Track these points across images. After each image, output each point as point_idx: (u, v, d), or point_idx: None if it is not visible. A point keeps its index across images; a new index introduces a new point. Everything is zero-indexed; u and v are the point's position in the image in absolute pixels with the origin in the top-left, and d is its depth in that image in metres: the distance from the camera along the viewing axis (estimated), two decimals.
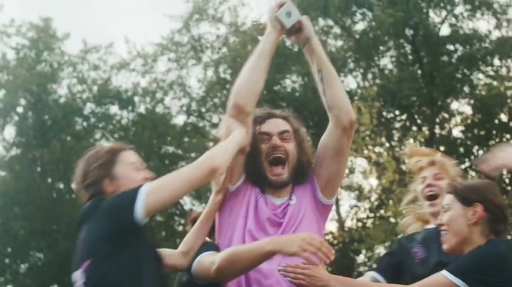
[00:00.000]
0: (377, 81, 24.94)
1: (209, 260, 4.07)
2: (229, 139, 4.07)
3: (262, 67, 4.38)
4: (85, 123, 29.65)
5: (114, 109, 29.40)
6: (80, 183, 4.06)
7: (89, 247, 3.76)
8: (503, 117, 26.14)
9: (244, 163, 4.33)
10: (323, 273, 3.89)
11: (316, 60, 4.38)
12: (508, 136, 26.08)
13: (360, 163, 27.00)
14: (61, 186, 29.62)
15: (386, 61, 27.18)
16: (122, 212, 3.72)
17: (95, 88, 28.97)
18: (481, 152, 26.60)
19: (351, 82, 27.87)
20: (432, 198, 4.98)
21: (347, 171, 27.95)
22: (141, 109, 29.52)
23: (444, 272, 3.88)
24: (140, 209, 3.70)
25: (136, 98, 29.18)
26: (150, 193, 3.74)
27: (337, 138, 4.31)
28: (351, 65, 27.47)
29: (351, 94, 27.11)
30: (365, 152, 22.39)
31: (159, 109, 29.66)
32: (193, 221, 4.66)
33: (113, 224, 3.73)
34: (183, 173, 3.90)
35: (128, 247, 3.73)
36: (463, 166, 26.66)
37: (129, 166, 4.10)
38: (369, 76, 27.46)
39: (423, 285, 3.96)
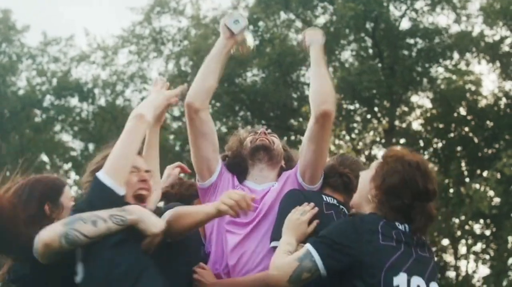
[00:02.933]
0: (338, 74, 25.04)
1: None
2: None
3: (212, 69, 4.75)
4: (44, 116, 29.43)
5: (74, 101, 29.26)
6: None
7: None
8: (462, 110, 26.40)
9: (216, 158, 4.69)
10: (208, 278, 4.26)
11: (311, 62, 4.83)
12: (467, 129, 26.37)
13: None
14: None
15: (347, 55, 27.35)
16: None
17: (54, 80, 28.77)
18: (440, 145, 26.87)
19: None
20: None
21: None
22: (101, 101, 29.41)
23: None
24: None
25: (96, 91, 29.05)
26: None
27: (310, 127, 4.50)
28: None
29: None
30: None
31: (120, 101, 29.57)
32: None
33: None
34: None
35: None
36: None
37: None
38: (330, 69, 27.57)
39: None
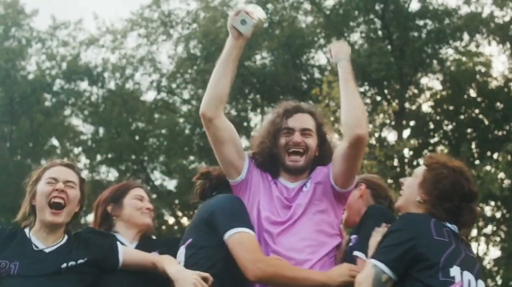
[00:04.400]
0: None
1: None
2: None
3: (223, 74, 4.62)
4: (54, 100, 29.46)
5: (83, 85, 29.27)
6: None
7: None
8: (472, 92, 26.31)
9: (241, 157, 4.64)
10: None
11: (340, 80, 4.64)
12: (477, 111, 26.29)
13: (331, 137, 27.06)
14: (30, 162, 29.44)
15: (356, 37, 27.25)
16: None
17: (64, 64, 28.76)
18: (450, 127, 26.81)
19: (322, 58, 27.92)
20: None
21: None
22: (111, 85, 29.41)
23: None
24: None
25: (106, 74, 29.04)
26: None
27: (344, 149, 4.48)
28: (321, 41, 27.47)
29: (321, 69, 27.18)
30: (336, 125, 22.42)
31: (129, 85, 29.57)
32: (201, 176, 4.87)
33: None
34: None
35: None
36: (432, 141, 26.88)
37: None
38: None
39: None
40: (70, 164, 4.60)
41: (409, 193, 4.41)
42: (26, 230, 4.47)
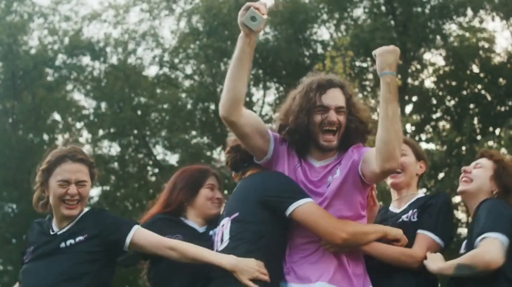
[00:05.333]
0: (350, 31, 24.87)
1: None
2: None
3: (237, 75, 4.41)
4: (56, 75, 29.40)
5: (85, 60, 29.17)
6: None
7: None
8: (475, 68, 26.27)
9: (266, 139, 4.57)
10: None
11: (380, 98, 4.35)
12: (479, 87, 26.25)
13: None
14: (32, 136, 29.47)
15: (359, 12, 27.15)
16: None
17: (66, 39, 28.69)
18: (452, 102, 26.78)
19: (325, 33, 27.87)
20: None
21: None
22: (113, 60, 29.33)
23: None
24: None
25: (108, 49, 28.96)
26: None
27: (374, 169, 4.35)
28: (325, 16, 27.40)
29: (324, 44, 27.11)
30: None
31: (131, 60, 29.50)
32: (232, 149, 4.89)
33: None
34: None
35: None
36: (434, 116, 26.86)
37: None
38: (342, 27, 27.42)
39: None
40: (80, 157, 4.55)
41: (481, 182, 4.85)
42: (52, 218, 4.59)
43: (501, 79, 25.72)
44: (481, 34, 25.41)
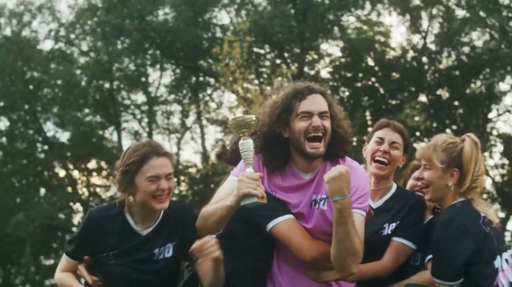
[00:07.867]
0: (250, 17, 24.93)
1: None
2: None
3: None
4: None
5: None
6: None
7: None
8: (370, 61, 26.74)
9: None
10: None
11: (333, 219, 4.17)
12: (373, 79, 26.74)
13: (228, 98, 27.20)
14: None
15: None
16: None
17: None
18: (347, 93, 27.21)
19: (225, 17, 27.88)
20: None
21: (214, 106, 28.13)
22: (7, 31, 28.67)
23: None
24: None
25: (2, 20, 28.27)
26: None
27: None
28: (225, 0, 27.38)
29: (223, 28, 27.07)
30: (234, 86, 22.45)
31: (26, 32, 28.88)
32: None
33: None
34: None
35: None
36: None
37: None
38: (243, 12, 27.44)
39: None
40: (164, 151, 4.46)
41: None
42: (126, 213, 4.50)
43: (394, 73, 26.28)
44: (378, 28, 25.88)
